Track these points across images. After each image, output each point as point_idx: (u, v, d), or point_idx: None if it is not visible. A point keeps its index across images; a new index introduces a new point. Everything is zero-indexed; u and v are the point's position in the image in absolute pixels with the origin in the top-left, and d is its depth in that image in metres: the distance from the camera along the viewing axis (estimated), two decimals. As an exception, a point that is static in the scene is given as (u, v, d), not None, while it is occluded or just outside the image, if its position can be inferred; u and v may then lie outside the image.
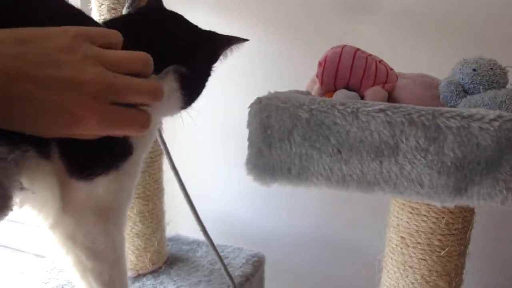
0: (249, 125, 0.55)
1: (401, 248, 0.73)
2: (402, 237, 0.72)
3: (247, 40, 0.59)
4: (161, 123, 0.67)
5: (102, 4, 0.82)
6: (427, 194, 0.51)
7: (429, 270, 0.71)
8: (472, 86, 0.65)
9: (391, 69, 0.76)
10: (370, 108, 0.51)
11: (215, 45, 0.62)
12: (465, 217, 0.69)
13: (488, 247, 1.04)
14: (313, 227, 1.25)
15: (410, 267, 0.72)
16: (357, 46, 0.75)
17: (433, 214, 0.69)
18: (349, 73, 0.73)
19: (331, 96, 0.73)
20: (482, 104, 0.59)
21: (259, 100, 0.54)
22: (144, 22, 0.61)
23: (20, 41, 0.37)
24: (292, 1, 1.16)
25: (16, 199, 0.46)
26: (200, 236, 0.88)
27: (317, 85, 0.75)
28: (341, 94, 0.72)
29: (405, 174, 0.51)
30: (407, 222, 0.71)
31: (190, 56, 0.59)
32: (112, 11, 0.82)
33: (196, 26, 0.62)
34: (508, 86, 0.67)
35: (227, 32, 0.60)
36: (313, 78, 0.80)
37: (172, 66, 0.56)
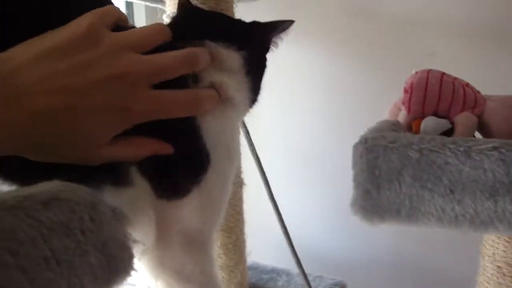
0: (355, 165, 0.56)
1: (497, 278, 0.72)
2: (498, 266, 0.71)
3: (292, 21, 0.60)
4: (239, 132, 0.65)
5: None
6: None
7: (530, 301, 0.69)
8: None
9: (478, 92, 0.75)
10: (483, 146, 0.50)
11: (264, 31, 0.63)
12: None
13: None
14: (395, 253, 1.24)
15: (508, 296, 0.71)
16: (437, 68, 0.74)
17: (534, 243, 0.67)
18: (437, 99, 0.72)
19: (419, 124, 0.73)
20: None
21: (364, 140, 0.55)
22: (190, 21, 0.61)
23: (42, 57, 0.36)
24: (367, 20, 1.17)
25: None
26: (278, 264, 0.89)
27: (403, 112, 0.74)
28: (430, 122, 0.71)
29: (524, 214, 0.50)
30: (504, 252, 0.70)
31: (245, 46, 0.59)
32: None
33: (237, 19, 0.65)
34: None
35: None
36: (396, 104, 0.79)
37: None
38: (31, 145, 0.40)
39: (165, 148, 0.45)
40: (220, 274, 0.88)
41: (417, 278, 1.22)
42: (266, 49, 0.65)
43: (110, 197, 0.48)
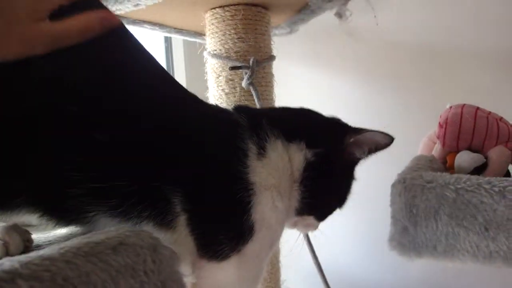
0: (393, 204, 0.60)
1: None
2: None
3: (391, 138, 0.62)
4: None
5: (220, 76, 0.90)
6: None
7: None
8: None
9: (511, 125, 0.78)
10: (518, 187, 0.53)
11: (339, 132, 0.65)
12: None
13: None
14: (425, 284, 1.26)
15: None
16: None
17: None
18: (471, 134, 0.75)
19: (454, 157, 0.76)
20: None
21: (403, 180, 0.59)
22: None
23: None
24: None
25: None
26: None
27: (438, 146, 0.78)
28: (465, 156, 0.74)
29: (557, 252, 0.53)
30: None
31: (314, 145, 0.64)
32: (230, 82, 0.89)
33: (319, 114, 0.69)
34: None
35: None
36: (430, 137, 0.83)
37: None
38: None
39: (111, 17, 0.43)
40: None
41: None
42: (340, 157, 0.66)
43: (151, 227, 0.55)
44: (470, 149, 0.76)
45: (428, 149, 0.82)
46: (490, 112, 0.78)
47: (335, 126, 0.68)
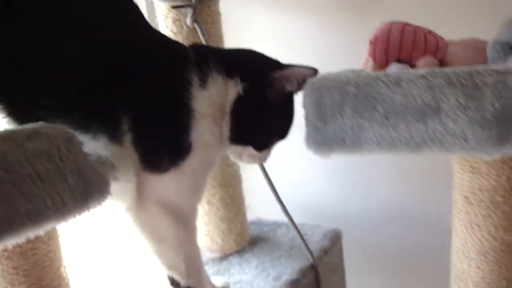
0: (304, 105, 0.65)
1: (466, 208, 0.78)
2: (466, 196, 0.78)
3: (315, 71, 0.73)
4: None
5: (167, 17, 0.95)
6: (472, 148, 0.57)
7: (495, 226, 0.76)
8: (521, 44, 0.69)
9: (441, 38, 0.82)
10: (411, 76, 0.58)
11: (266, 68, 0.74)
12: (528, 172, 0.72)
13: None
14: (386, 201, 1.32)
15: (477, 225, 0.77)
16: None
17: (493, 172, 0.74)
18: (399, 47, 0.80)
19: (384, 70, 0.80)
20: (527, 59, 0.63)
21: (312, 83, 0.64)
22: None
23: None
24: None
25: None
26: (279, 218, 1.00)
27: (370, 62, 0.82)
28: (393, 67, 0.79)
29: (449, 131, 0.58)
30: (470, 182, 0.76)
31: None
32: (176, 22, 0.94)
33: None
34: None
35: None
36: (367, 57, 0.87)
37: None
38: None
39: None
40: (221, 225, 1.00)
41: (408, 225, 1.33)
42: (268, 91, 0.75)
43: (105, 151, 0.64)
44: (399, 61, 0.80)
45: (366, 68, 0.86)
46: (419, 27, 0.82)
47: (266, 64, 0.76)
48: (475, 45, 0.77)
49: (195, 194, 0.73)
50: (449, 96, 0.56)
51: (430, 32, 0.82)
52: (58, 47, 0.63)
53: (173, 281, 0.74)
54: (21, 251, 0.64)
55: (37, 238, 0.66)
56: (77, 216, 0.52)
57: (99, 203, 0.55)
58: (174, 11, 0.94)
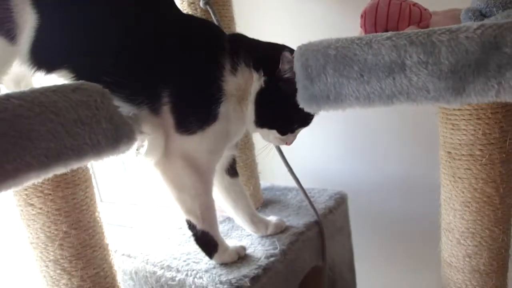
0: (295, 68, 0.79)
1: (450, 162, 0.89)
2: (448, 152, 0.89)
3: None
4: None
5: (183, 1, 1.10)
6: (434, 98, 0.69)
7: (476, 178, 0.86)
8: (488, 9, 0.80)
9: (425, 10, 0.93)
10: (379, 38, 0.71)
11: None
12: (502, 127, 0.83)
13: None
14: (391, 169, 1.44)
15: (459, 177, 0.88)
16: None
17: (471, 127, 0.84)
18: (386, 19, 0.92)
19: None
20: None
21: (299, 48, 0.78)
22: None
23: None
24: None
25: (137, 137, 0.78)
26: (291, 184, 1.14)
27: (362, 34, 0.94)
28: (379, 38, 0.91)
29: (413, 84, 0.70)
30: (451, 138, 0.88)
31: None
32: (191, 5, 1.09)
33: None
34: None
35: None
36: (359, 29, 1.00)
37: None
38: None
39: None
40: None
41: (412, 191, 1.46)
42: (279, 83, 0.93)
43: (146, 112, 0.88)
44: (387, 31, 0.92)
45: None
46: (405, 0, 0.94)
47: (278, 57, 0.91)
48: (453, 14, 0.89)
49: (213, 155, 0.92)
50: (412, 53, 0.68)
51: (415, 4, 0.94)
52: (115, 38, 0.84)
53: (190, 224, 0.92)
54: (63, 195, 0.81)
55: (76, 185, 0.83)
56: (111, 156, 0.69)
57: (128, 148, 0.71)
58: (188, -6, 1.09)
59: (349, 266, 1.30)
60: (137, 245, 1.11)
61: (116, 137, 0.68)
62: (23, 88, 0.90)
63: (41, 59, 0.82)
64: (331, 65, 0.75)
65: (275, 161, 1.12)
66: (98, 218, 0.88)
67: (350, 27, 1.02)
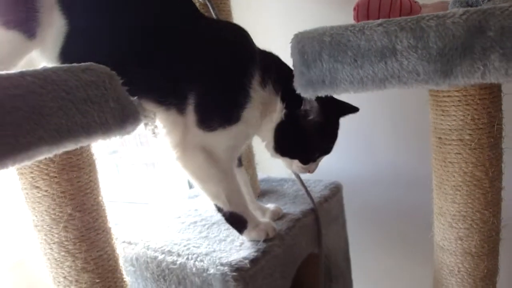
0: (292, 54, 0.84)
1: (440, 147, 0.94)
2: (439, 137, 0.93)
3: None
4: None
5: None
6: (423, 80, 0.74)
7: (466, 162, 0.91)
8: (474, 0, 0.85)
9: (415, 2, 0.99)
10: (371, 25, 0.75)
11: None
12: (490, 113, 0.88)
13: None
14: (386, 161, 1.49)
15: (450, 162, 0.93)
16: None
17: (460, 113, 0.89)
18: (378, 11, 0.97)
19: (366, 32, 0.97)
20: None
21: (296, 36, 0.82)
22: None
23: None
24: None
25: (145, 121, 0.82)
26: (287, 175, 1.18)
27: (354, 26, 0.99)
28: (372, 29, 0.95)
29: (404, 68, 0.74)
30: (441, 124, 0.92)
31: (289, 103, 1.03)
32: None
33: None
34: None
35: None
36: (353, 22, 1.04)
37: None
38: None
39: None
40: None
41: (405, 183, 1.51)
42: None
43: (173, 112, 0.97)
44: (379, 24, 0.97)
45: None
46: (395, -7, 0.99)
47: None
48: (442, 6, 0.94)
49: (230, 150, 1.00)
50: (402, 39, 0.73)
51: (406, -3, 0.99)
52: (146, 45, 0.92)
53: (218, 208, 1.01)
54: (68, 178, 0.84)
55: (81, 168, 0.86)
56: (118, 135, 0.73)
57: (133, 128, 0.76)
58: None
59: (344, 255, 1.34)
60: (137, 232, 1.15)
61: (122, 116, 0.72)
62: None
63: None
64: (326, 51, 0.79)
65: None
66: (101, 202, 0.91)
67: (343, 20, 1.07)
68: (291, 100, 0.98)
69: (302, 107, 0.97)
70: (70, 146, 0.65)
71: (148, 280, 1.07)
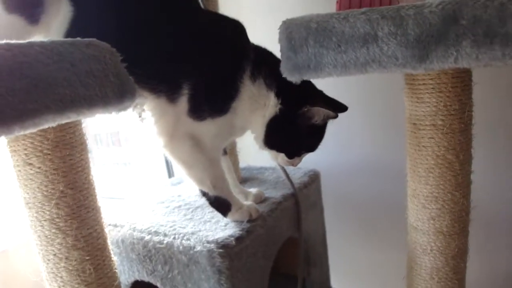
0: (280, 40, 0.89)
1: (415, 133, 1.01)
2: (414, 123, 1.01)
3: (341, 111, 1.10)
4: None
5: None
6: (401, 64, 0.81)
7: (438, 146, 0.98)
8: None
9: (394, -3, 1.06)
10: (355, 13, 0.82)
11: (302, 100, 1.08)
12: (461, 100, 0.96)
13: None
14: (362, 153, 1.56)
15: (423, 146, 1.00)
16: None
17: (433, 100, 0.97)
18: (359, 4, 1.03)
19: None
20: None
21: (284, 22, 0.88)
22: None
23: None
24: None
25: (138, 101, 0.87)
26: (266, 164, 1.23)
27: (336, 18, 1.06)
28: (353, 20, 1.02)
29: (384, 53, 0.81)
30: (416, 111, 1.00)
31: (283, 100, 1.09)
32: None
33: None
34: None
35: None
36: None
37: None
38: None
39: None
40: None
41: (381, 173, 1.59)
42: (297, 118, 1.06)
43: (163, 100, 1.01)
44: (359, 15, 1.04)
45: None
46: (376, -13, 1.06)
47: (305, 96, 1.06)
48: (416, 1, 1.02)
49: (216, 139, 1.06)
50: (383, 26, 0.80)
51: (384, -8, 1.06)
52: (145, 35, 0.96)
53: (203, 193, 1.07)
54: (61, 156, 0.87)
55: (74, 146, 0.90)
56: (116, 110, 0.77)
57: (130, 104, 0.80)
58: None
59: (322, 240, 1.41)
60: (123, 215, 1.18)
61: (121, 91, 0.76)
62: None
63: None
64: (312, 37, 0.86)
65: (250, 143, 1.22)
66: (91, 181, 0.95)
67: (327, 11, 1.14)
68: (288, 97, 1.04)
69: (304, 110, 1.04)
70: (72, 117, 0.69)
71: (133, 262, 1.10)
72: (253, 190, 1.19)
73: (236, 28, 1.06)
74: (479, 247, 1.37)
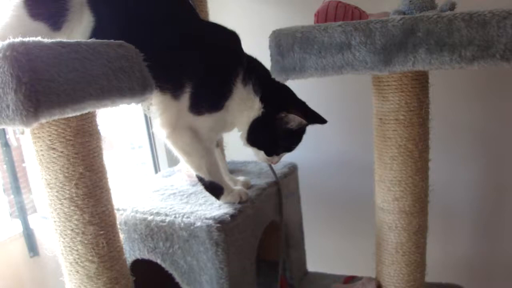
0: (270, 47, 1.09)
1: (381, 126, 1.22)
2: (380, 118, 1.21)
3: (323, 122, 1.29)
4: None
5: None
6: (370, 67, 1.01)
7: (400, 137, 1.19)
8: (410, 11, 1.14)
9: (364, 12, 1.26)
10: (333, 25, 1.02)
11: (282, 105, 1.27)
12: (419, 98, 1.17)
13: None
14: (332, 148, 1.77)
15: (388, 137, 1.21)
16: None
17: (396, 98, 1.17)
18: (334, 18, 1.24)
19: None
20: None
21: (274, 32, 1.08)
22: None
23: None
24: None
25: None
26: (249, 158, 1.41)
27: (315, 28, 1.26)
28: (329, 31, 1.22)
29: (356, 58, 1.01)
30: (381, 107, 1.20)
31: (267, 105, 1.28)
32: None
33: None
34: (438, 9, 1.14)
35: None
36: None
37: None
38: None
39: None
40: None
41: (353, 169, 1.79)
42: (274, 121, 1.25)
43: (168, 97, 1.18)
44: (335, 27, 1.24)
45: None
46: (349, 4, 1.27)
47: (285, 102, 1.25)
48: (385, 15, 1.23)
49: (212, 132, 1.24)
50: (356, 36, 1.00)
51: (356, 7, 1.27)
52: (157, 45, 1.14)
53: (200, 178, 1.25)
54: (81, 141, 1.02)
55: (91, 134, 1.05)
56: (140, 100, 0.94)
57: (149, 96, 0.98)
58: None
59: (299, 226, 1.60)
60: (125, 200, 1.33)
61: (144, 85, 0.94)
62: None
63: None
64: (298, 44, 1.05)
65: (234, 139, 1.39)
66: (104, 165, 1.10)
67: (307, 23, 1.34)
68: (270, 103, 1.22)
69: (282, 115, 1.22)
70: (107, 105, 0.85)
71: (135, 242, 1.26)
72: (241, 178, 1.37)
73: (233, 38, 1.24)
74: (437, 226, 1.59)
